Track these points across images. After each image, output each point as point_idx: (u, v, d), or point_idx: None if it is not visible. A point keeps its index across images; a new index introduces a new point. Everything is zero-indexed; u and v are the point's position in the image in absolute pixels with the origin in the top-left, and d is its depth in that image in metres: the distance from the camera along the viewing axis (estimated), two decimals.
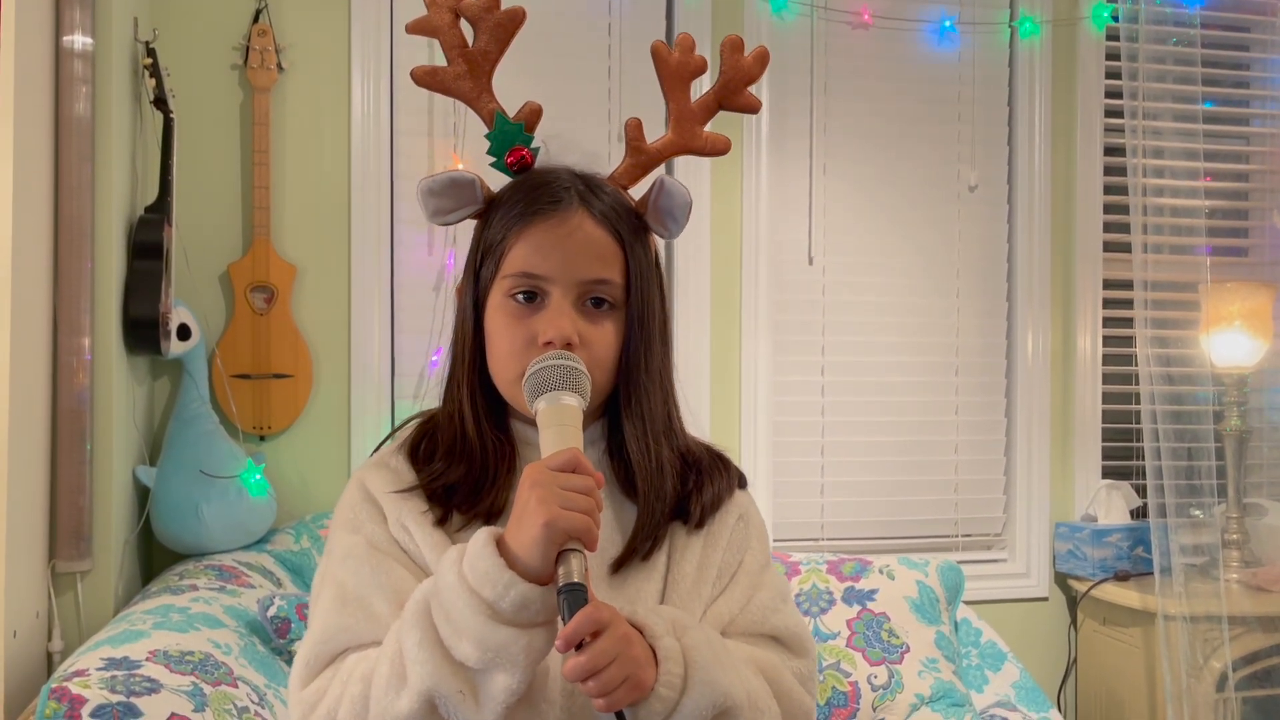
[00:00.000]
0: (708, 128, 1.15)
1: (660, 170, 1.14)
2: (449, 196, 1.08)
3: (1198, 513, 2.54)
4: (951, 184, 2.77)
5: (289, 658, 1.73)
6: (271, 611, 1.74)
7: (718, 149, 1.15)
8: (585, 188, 1.06)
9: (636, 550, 1.03)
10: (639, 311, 1.05)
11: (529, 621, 0.88)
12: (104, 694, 1.32)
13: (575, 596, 0.85)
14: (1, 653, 1.61)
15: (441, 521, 1.02)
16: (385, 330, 2.40)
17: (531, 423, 0.99)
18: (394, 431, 1.13)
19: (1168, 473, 2.51)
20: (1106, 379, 2.86)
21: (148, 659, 1.44)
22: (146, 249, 2.01)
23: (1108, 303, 2.85)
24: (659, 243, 1.14)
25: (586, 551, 0.88)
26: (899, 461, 2.73)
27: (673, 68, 1.12)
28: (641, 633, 0.92)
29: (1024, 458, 2.79)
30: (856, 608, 2.10)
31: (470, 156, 2.39)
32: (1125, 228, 2.76)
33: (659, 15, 2.58)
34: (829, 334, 2.69)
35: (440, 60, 1.11)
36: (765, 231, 2.62)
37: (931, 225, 2.75)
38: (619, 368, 1.05)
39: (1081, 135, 2.82)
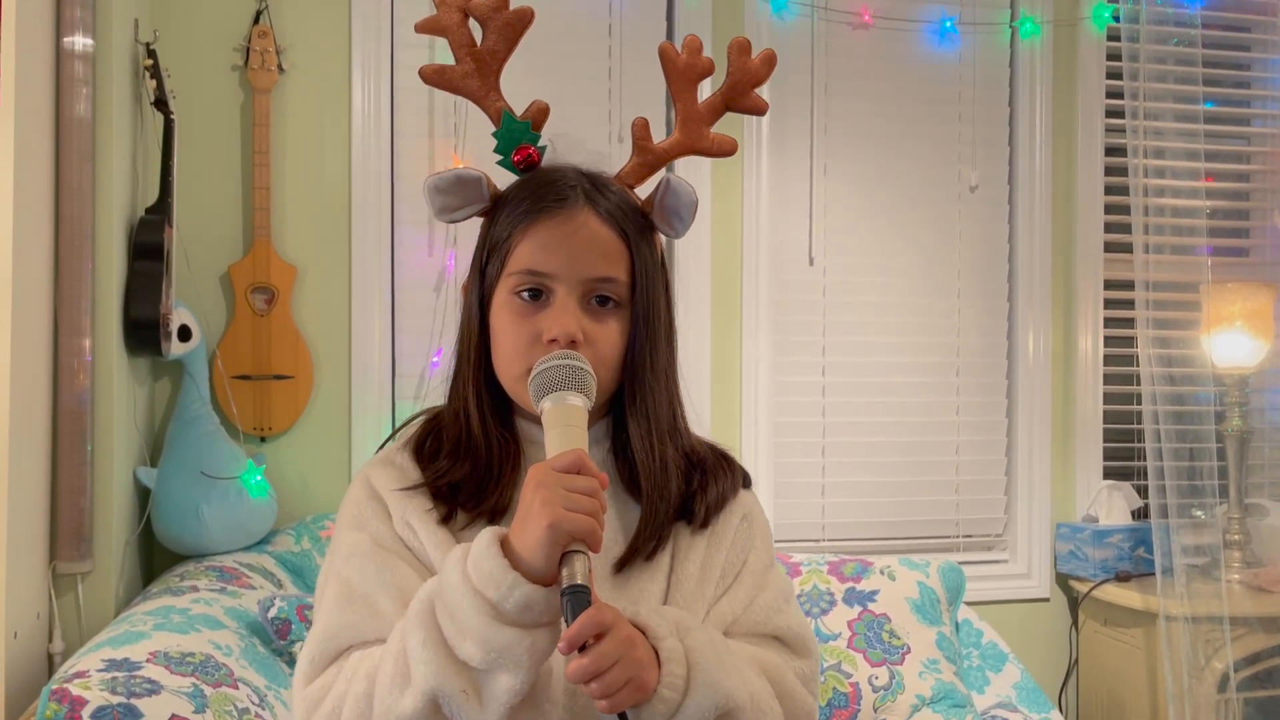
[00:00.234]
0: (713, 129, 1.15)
1: (665, 170, 1.14)
2: (455, 194, 1.07)
3: (1199, 513, 2.54)
4: (952, 184, 2.77)
5: (290, 659, 1.73)
6: (272, 613, 1.74)
7: (724, 150, 1.15)
8: (591, 186, 1.06)
9: (640, 550, 1.03)
10: (644, 310, 1.05)
11: (532, 622, 0.88)
12: (104, 695, 1.32)
13: (579, 599, 0.85)
14: (2, 654, 1.61)
15: (446, 519, 1.02)
16: (386, 331, 2.40)
17: (537, 420, 0.99)
18: (400, 428, 1.13)
19: (1169, 473, 2.51)
20: (1107, 379, 2.85)
21: (148, 660, 1.44)
22: (147, 250, 2.01)
23: (1109, 303, 2.84)
24: (662, 241, 1.15)
25: (590, 553, 0.88)
26: (900, 462, 2.72)
27: (680, 68, 1.13)
28: (644, 634, 0.92)
29: (1025, 458, 2.79)
30: (857, 608, 2.10)
31: (470, 157, 2.39)
32: (1126, 228, 2.76)
33: (659, 16, 2.58)
34: (830, 334, 2.69)
35: (441, 61, 1.11)
36: (766, 232, 2.62)
37: (932, 225, 2.75)
38: (624, 366, 1.05)
39: (1082, 135, 2.81)
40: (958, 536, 2.79)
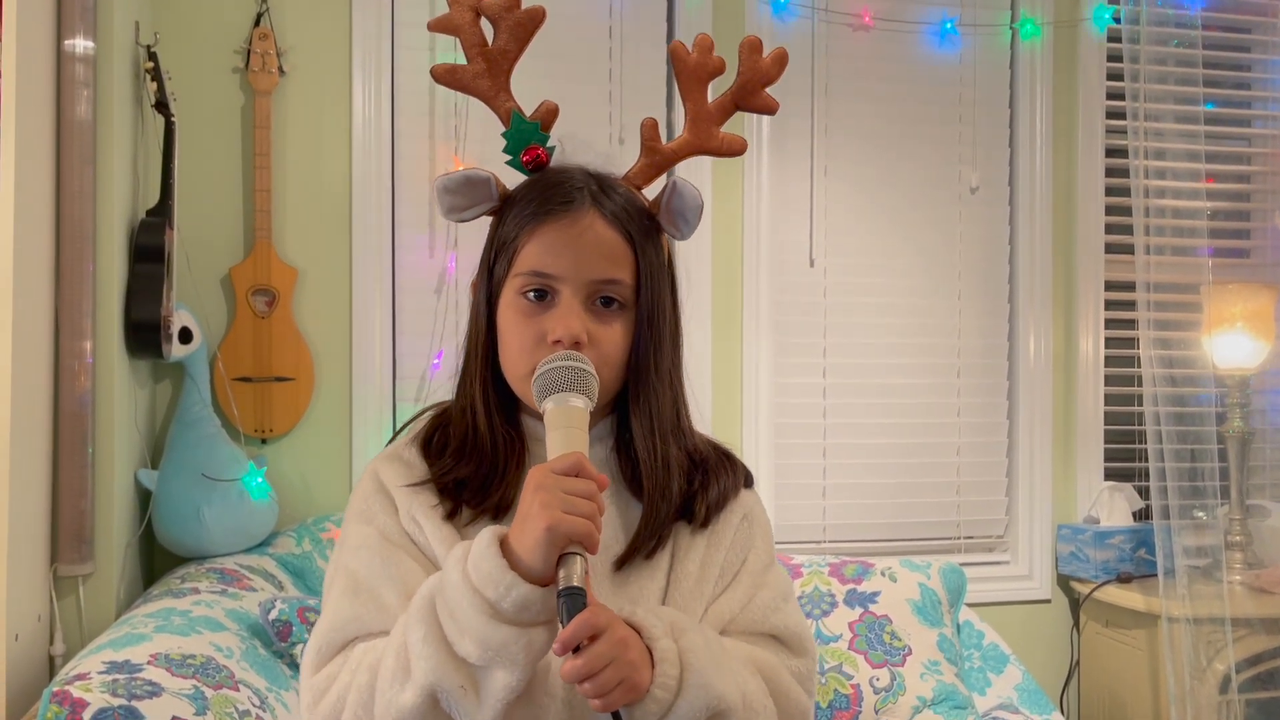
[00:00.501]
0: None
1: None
2: (464, 194, 1.09)
3: (1200, 514, 2.54)
4: (953, 185, 2.77)
5: (291, 661, 1.73)
6: (273, 615, 1.73)
7: (734, 150, 1.15)
8: (598, 188, 1.07)
9: (640, 549, 1.05)
10: (649, 311, 1.06)
11: (530, 621, 0.89)
12: (105, 697, 1.32)
13: (574, 600, 0.87)
14: (3, 656, 1.61)
15: (451, 515, 1.04)
16: (386, 333, 2.40)
17: (541, 418, 1.00)
18: (409, 422, 1.15)
19: (1170, 474, 2.51)
20: (1108, 380, 2.85)
21: (149, 662, 1.44)
22: (148, 252, 2.02)
23: (1109, 304, 2.84)
24: (669, 242, 1.15)
25: (588, 554, 0.90)
26: (901, 463, 2.72)
27: (691, 67, 1.13)
28: (640, 633, 0.94)
29: (1026, 459, 2.79)
30: (858, 610, 2.10)
31: (471, 159, 2.39)
32: (1127, 229, 2.76)
33: (660, 17, 2.58)
34: (830, 336, 2.69)
35: (441, 63, 1.11)
36: (766, 233, 2.62)
37: (933, 226, 2.75)
38: (628, 367, 1.06)
39: (1083, 136, 2.81)
40: (959, 538, 2.79)
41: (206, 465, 2.09)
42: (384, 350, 2.40)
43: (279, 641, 1.73)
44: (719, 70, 1.14)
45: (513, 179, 1.12)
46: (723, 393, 2.59)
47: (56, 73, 1.84)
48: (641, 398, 1.07)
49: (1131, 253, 2.67)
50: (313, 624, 1.16)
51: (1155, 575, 2.52)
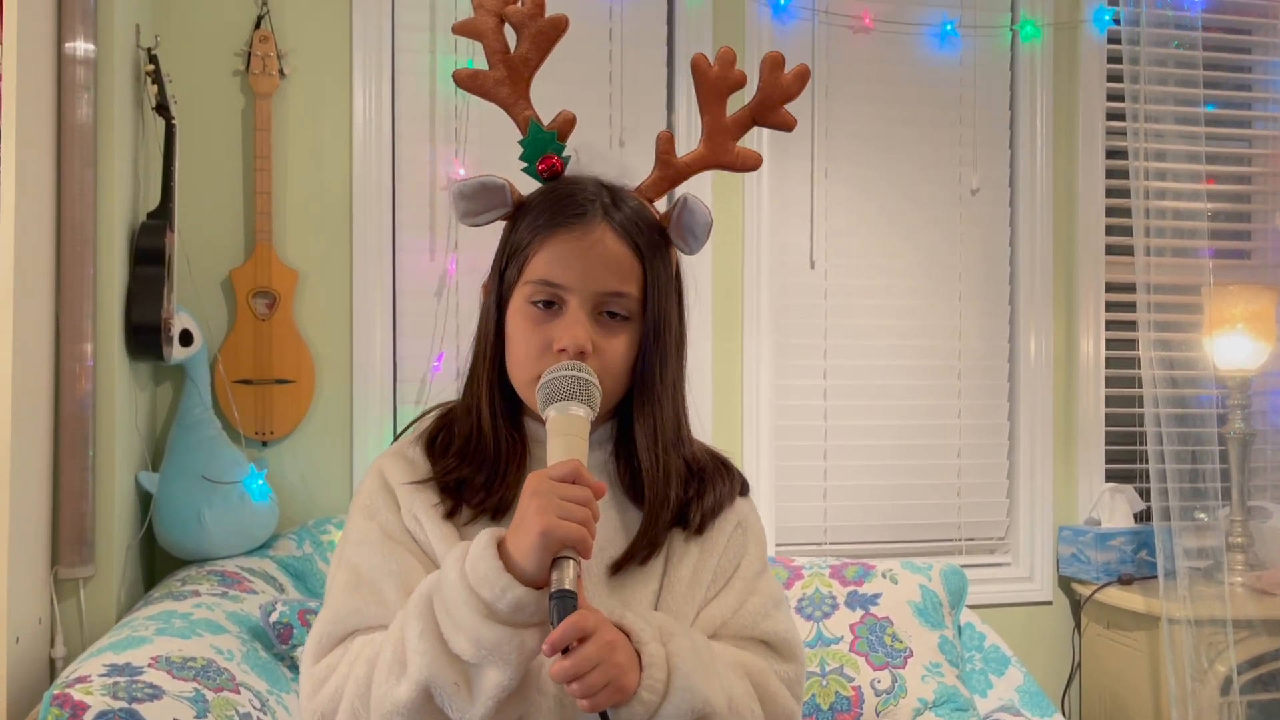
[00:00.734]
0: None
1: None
2: (479, 200, 1.11)
3: (1202, 516, 2.53)
4: (953, 187, 2.77)
5: (291, 664, 1.73)
6: (274, 617, 1.73)
7: (748, 165, 1.15)
8: (610, 200, 1.09)
9: (635, 555, 1.07)
10: (655, 323, 1.08)
11: (523, 622, 0.92)
12: (106, 700, 1.32)
13: (565, 603, 0.89)
14: (4, 659, 1.61)
15: (451, 514, 1.06)
16: (387, 335, 2.40)
17: (544, 422, 1.02)
18: (416, 419, 1.17)
19: (1171, 476, 2.50)
20: (1109, 382, 2.85)
21: (150, 665, 1.44)
22: (148, 255, 2.02)
23: (1110, 305, 2.84)
24: (677, 254, 1.17)
25: (580, 559, 0.92)
26: (902, 465, 2.72)
27: (711, 81, 1.13)
28: (629, 637, 0.96)
29: (1027, 461, 2.78)
30: (859, 612, 2.09)
31: (471, 161, 2.39)
32: (1127, 230, 2.76)
33: (660, 20, 2.57)
34: (831, 337, 2.69)
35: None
36: (767, 235, 2.62)
37: (933, 228, 2.75)
38: (632, 377, 1.09)
39: (1083, 138, 2.81)
40: (960, 539, 2.78)
41: (207, 468, 2.09)
42: (384, 353, 2.40)
43: (280, 644, 1.73)
44: (739, 84, 1.14)
45: (526, 184, 1.13)
46: (723, 394, 2.59)
47: (57, 75, 1.85)
48: (645, 408, 1.09)
49: (1132, 254, 2.67)
50: (321, 607, 1.18)
51: (1156, 577, 2.52)
